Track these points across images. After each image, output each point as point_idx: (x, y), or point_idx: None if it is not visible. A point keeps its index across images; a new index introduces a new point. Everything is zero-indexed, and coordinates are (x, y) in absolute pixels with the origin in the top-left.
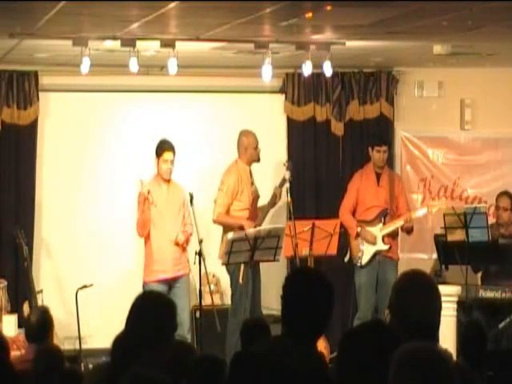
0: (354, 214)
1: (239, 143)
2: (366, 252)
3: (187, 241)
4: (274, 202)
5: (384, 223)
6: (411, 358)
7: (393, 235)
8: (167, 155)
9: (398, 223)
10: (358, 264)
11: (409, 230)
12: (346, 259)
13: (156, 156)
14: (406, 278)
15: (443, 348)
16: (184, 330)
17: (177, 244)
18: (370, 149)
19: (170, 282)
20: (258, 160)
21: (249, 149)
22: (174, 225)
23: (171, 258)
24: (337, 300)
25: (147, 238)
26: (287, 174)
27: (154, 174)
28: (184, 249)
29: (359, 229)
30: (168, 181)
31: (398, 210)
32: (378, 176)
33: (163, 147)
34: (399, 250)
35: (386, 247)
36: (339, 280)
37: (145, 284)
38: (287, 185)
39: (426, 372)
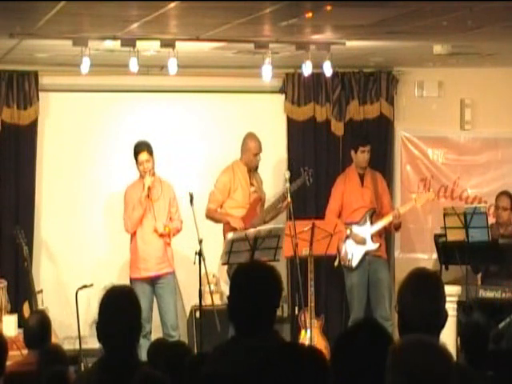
0: (339, 216)
1: (242, 144)
2: (355, 253)
3: (169, 234)
4: (279, 202)
5: (371, 222)
6: (406, 351)
7: (380, 234)
8: (141, 156)
9: (387, 220)
10: (349, 265)
11: (397, 227)
12: (336, 263)
13: (134, 159)
14: (408, 277)
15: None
16: (169, 328)
17: (161, 236)
18: (353, 151)
19: (154, 280)
20: (256, 168)
21: (248, 152)
22: (158, 223)
23: (154, 257)
24: (336, 301)
25: (133, 236)
26: (287, 174)
27: (139, 175)
28: (167, 244)
29: (348, 231)
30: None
31: (382, 208)
32: (362, 177)
33: (136, 150)
34: (398, 249)
35: (375, 246)
36: (337, 282)
37: (131, 280)
38: (287, 184)
39: (422, 367)
